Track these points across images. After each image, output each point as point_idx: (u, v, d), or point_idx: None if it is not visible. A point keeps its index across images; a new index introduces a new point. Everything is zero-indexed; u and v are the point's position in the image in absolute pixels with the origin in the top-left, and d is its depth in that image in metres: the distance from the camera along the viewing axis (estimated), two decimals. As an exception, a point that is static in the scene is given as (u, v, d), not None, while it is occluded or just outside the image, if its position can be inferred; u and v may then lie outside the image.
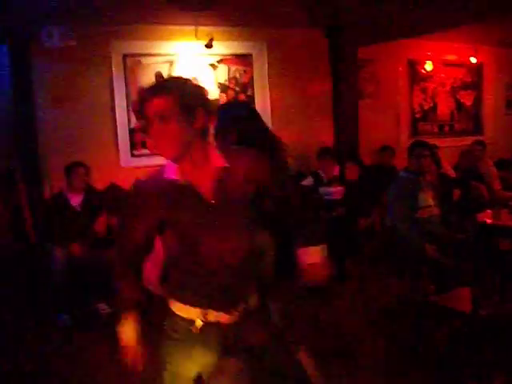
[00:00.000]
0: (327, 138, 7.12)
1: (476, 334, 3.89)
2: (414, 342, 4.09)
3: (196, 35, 6.33)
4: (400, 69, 8.17)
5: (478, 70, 8.99)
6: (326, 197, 6.07)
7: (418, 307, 4.43)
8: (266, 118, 6.96)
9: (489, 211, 5.08)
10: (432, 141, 7.51)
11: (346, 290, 5.32)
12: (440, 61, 8.52)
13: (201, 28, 6.32)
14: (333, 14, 6.95)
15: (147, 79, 6.27)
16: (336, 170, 6.26)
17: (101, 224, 5.45)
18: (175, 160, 1.94)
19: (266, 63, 6.94)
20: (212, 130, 2.10)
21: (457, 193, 6.11)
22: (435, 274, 4.46)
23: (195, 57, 6.48)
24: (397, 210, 4.76)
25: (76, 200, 5.46)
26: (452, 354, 3.98)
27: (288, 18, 6.84)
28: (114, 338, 2.13)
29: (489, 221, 4.80)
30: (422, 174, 4.87)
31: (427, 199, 4.86)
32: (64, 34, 5.73)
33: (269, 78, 6.98)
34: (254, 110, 2.87)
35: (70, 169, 5.49)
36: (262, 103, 6.88)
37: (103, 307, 5.13)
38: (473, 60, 8.68)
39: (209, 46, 6.30)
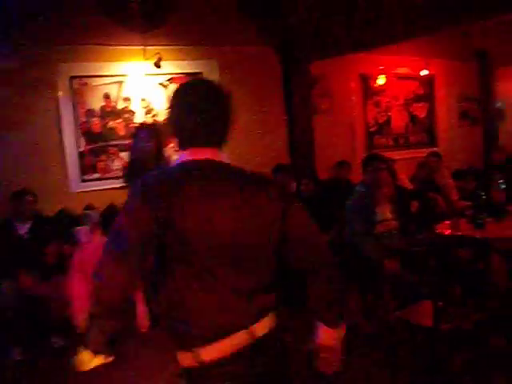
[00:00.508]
0: (282, 154, 7.05)
1: (438, 348, 3.84)
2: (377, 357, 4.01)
3: (144, 55, 6.22)
4: (352, 84, 8.18)
5: (429, 82, 9.09)
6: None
7: (381, 323, 4.35)
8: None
9: (447, 222, 5.04)
10: (387, 154, 7.54)
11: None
12: (392, 74, 8.58)
13: (149, 48, 6.22)
14: (283, 30, 6.93)
15: (95, 101, 6.11)
16: (293, 187, 6.18)
17: (51, 252, 5.23)
18: None
19: (218, 81, 6.83)
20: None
21: (415, 205, 6.08)
22: (396, 288, 4.38)
23: (144, 77, 6.35)
24: (354, 225, 4.69)
25: (23, 228, 5.23)
26: (417, 369, 3.91)
27: (238, 35, 6.80)
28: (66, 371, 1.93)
29: (447, 231, 4.75)
30: (378, 187, 4.82)
31: (385, 213, 4.80)
32: (6, 55, 5.53)
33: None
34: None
35: (17, 196, 5.26)
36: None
37: (56, 340, 4.90)
38: (424, 73, 8.76)
39: (157, 65, 6.19)
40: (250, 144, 6.84)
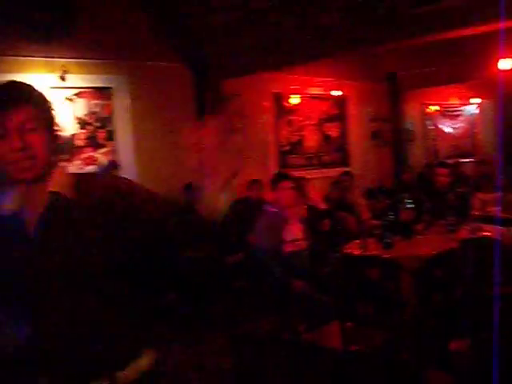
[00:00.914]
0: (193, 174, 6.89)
1: (347, 370, 3.79)
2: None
3: (49, 67, 5.94)
4: (266, 103, 8.16)
5: (342, 102, 9.22)
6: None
7: (289, 346, 4.26)
8: (129, 153, 6.65)
9: (356, 242, 5.04)
10: (300, 173, 7.55)
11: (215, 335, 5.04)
12: (305, 94, 8.63)
13: (55, 60, 5.95)
14: (195, 47, 6.83)
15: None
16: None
17: None
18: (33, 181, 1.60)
19: (129, 97, 6.64)
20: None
21: (326, 224, 6.07)
22: (305, 310, 4.31)
23: (49, 90, 6.04)
24: (263, 245, 4.60)
25: None
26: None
27: (150, 50, 6.64)
28: None
29: (356, 252, 4.74)
30: (287, 206, 4.76)
31: (294, 232, 4.74)
32: None
33: (133, 112, 6.68)
34: None
35: None
36: (124, 138, 6.56)
37: None
38: (337, 93, 8.88)
39: (62, 78, 5.92)
40: (162, 161, 6.68)
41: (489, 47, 6.47)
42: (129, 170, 6.53)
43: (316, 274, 4.66)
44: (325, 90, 8.88)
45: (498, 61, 6.21)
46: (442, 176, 5.91)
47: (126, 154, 6.61)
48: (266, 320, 4.73)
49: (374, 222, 6.80)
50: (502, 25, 6.51)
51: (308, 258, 4.80)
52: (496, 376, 3.36)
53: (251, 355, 4.39)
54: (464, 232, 5.24)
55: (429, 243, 4.93)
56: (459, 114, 11.84)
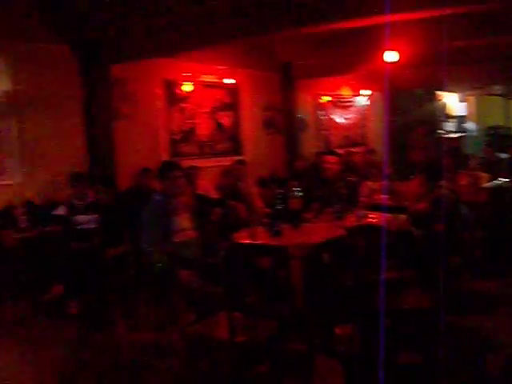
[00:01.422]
0: (80, 162, 6.57)
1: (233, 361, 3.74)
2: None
3: None
4: (157, 89, 7.95)
5: (235, 91, 9.16)
6: (80, 226, 5.60)
7: (178, 337, 4.15)
8: (11, 142, 6.27)
9: (246, 230, 4.99)
10: (193, 162, 7.44)
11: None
12: (198, 82, 8.49)
13: None
14: (83, 29, 6.51)
15: None
16: (91, 196, 5.79)
17: None
18: None
19: (10, 80, 6.23)
20: None
21: (217, 213, 5.98)
22: (192, 301, 4.20)
23: None
24: (150, 235, 4.44)
25: None
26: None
27: (33, 31, 6.25)
28: None
29: (245, 240, 4.68)
30: (175, 196, 4.63)
31: (182, 222, 4.62)
32: None
33: (14, 97, 6.27)
34: None
35: None
36: (5, 125, 6.18)
37: None
38: (230, 81, 8.80)
39: None
40: (45, 151, 6.35)
41: (376, 39, 6.62)
42: (12, 156, 6.19)
43: (205, 263, 4.55)
44: (218, 78, 8.79)
45: (383, 53, 6.35)
46: (331, 164, 5.98)
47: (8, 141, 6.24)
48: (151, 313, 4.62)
49: (267, 210, 6.81)
50: (388, 17, 6.69)
51: (198, 248, 4.69)
52: (381, 358, 3.42)
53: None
54: (351, 219, 5.34)
55: (317, 231, 4.95)
56: (351, 105, 12.16)
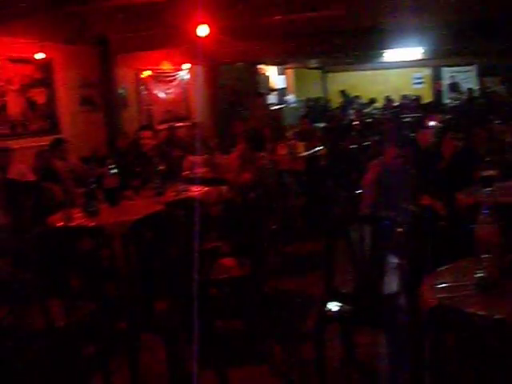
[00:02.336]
0: None
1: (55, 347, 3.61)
2: None
3: None
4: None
5: (47, 66, 8.66)
6: None
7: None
8: None
9: (61, 213, 4.78)
10: (4, 143, 6.97)
11: None
12: (5, 57, 7.90)
13: None
14: None
15: None
16: None
17: None
18: None
19: None
20: None
21: (31, 197, 5.68)
22: (7, 291, 3.96)
23: None
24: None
25: None
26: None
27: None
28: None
29: (59, 223, 4.49)
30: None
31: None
32: None
33: None
34: None
35: None
36: None
37: None
38: (41, 56, 8.28)
39: None
40: None
41: (191, 13, 6.58)
42: None
43: (17, 250, 4.31)
44: (27, 53, 8.23)
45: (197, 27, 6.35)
46: (147, 139, 5.93)
47: None
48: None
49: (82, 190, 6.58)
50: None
51: (7, 235, 4.43)
52: (196, 331, 3.49)
53: None
54: (170, 194, 5.35)
55: (135, 208, 4.91)
56: (173, 80, 12.08)
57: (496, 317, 2.20)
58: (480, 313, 2.26)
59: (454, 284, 2.62)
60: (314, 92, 19.44)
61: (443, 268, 2.93)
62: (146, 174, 5.77)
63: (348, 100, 18.44)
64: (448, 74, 19.79)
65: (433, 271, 2.90)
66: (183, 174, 6.97)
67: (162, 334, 3.86)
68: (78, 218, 4.54)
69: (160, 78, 11.61)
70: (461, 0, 7.98)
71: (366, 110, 16.16)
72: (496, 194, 4.36)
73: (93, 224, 4.46)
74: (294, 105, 17.22)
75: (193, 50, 9.86)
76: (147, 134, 5.99)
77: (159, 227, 4.69)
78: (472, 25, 8.93)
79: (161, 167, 5.71)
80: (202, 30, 5.97)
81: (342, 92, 19.05)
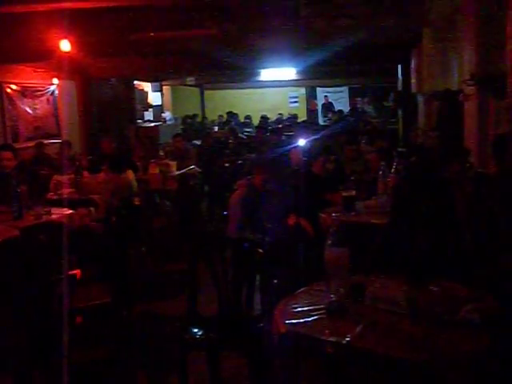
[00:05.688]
0: None
1: None
2: None
3: None
4: None
5: None
6: None
7: None
8: None
9: None
10: None
11: None
12: None
13: None
14: None
15: None
16: None
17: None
18: None
19: None
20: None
21: None
22: None
23: None
24: None
25: None
26: None
27: None
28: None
29: None
30: None
31: None
32: None
33: None
34: None
35: None
36: None
37: None
38: None
39: None
40: None
41: (51, 27, 6.35)
42: None
43: None
44: None
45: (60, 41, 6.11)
46: (7, 160, 5.56)
47: None
48: None
49: None
50: (67, 5, 6.47)
51: None
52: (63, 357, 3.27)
53: None
54: (29, 218, 5.05)
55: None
56: (41, 95, 11.53)
57: (343, 342, 2.22)
58: (324, 338, 2.27)
59: (307, 308, 2.62)
60: (192, 109, 19.37)
61: (300, 290, 2.94)
62: (4, 195, 5.39)
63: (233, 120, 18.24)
64: (323, 94, 20.39)
65: (291, 294, 2.91)
66: (48, 195, 6.65)
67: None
68: None
69: (27, 93, 11.04)
70: (332, 25, 8.28)
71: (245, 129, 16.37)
72: (354, 214, 4.49)
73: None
74: (171, 122, 17.07)
75: (60, 65, 9.49)
76: (7, 154, 5.59)
77: (13, 254, 4.40)
78: (343, 48, 9.24)
79: (22, 188, 5.36)
80: (64, 45, 5.73)
81: (229, 113, 18.77)
